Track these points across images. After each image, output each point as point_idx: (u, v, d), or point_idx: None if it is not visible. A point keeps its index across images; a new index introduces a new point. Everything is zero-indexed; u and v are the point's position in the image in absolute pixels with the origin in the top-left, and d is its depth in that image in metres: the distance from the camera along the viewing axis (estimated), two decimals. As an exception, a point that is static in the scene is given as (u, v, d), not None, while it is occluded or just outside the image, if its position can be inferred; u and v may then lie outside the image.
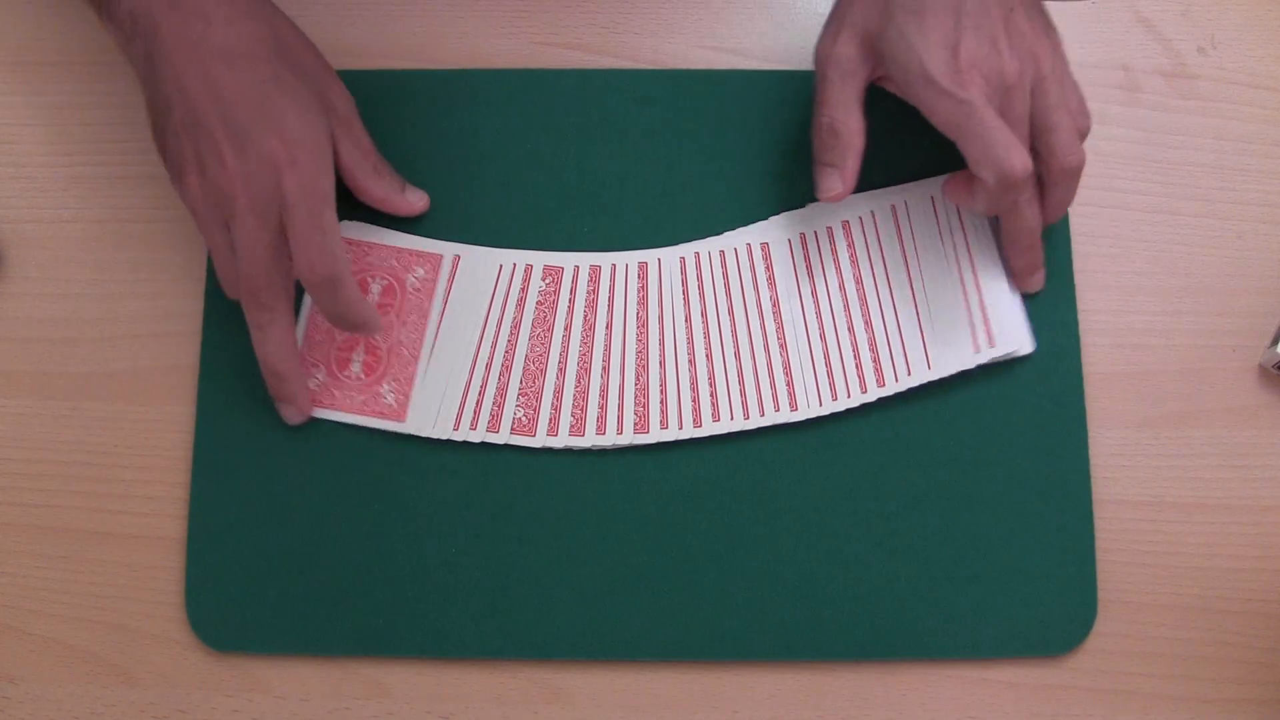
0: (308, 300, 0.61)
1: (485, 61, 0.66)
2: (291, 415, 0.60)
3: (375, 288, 0.61)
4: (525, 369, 0.60)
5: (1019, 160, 0.54)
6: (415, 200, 0.62)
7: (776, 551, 0.60)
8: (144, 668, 0.59)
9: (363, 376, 0.60)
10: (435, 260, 0.62)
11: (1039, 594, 0.59)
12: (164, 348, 0.62)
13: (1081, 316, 0.62)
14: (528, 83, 0.65)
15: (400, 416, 0.60)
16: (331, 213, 0.55)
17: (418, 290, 0.61)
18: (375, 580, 0.59)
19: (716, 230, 0.63)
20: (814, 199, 0.60)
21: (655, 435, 0.60)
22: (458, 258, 0.62)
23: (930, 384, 0.61)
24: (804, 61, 0.64)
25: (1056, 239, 0.63)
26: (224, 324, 0.62)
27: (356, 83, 0.65)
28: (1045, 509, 0.60)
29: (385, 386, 0.60)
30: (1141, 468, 0.61)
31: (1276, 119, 0.65)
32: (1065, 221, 0.63)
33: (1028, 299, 0.62)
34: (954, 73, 0.55)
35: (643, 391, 0.60)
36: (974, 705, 0.59)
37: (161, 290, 0.63)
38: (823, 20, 0.63)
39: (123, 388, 0.62)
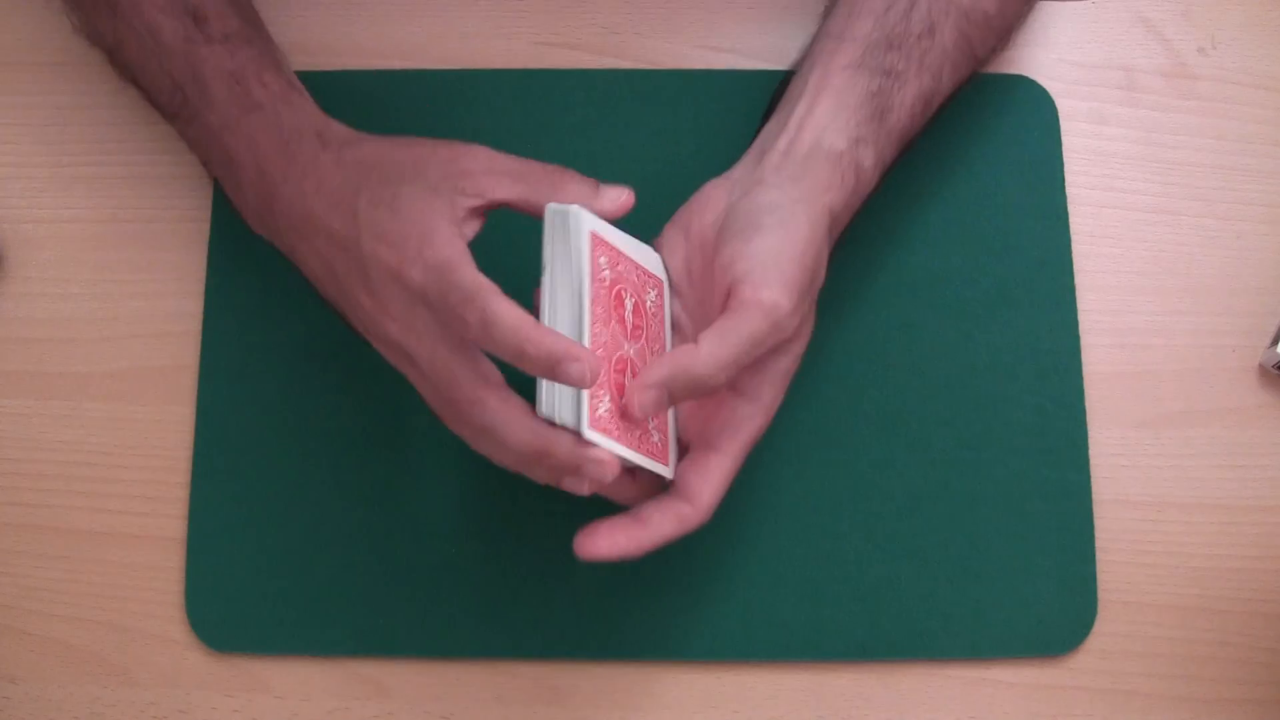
0: (581, 309, 0.51)
1: (485, 61, 0.66)
2: (592, 476, 0.50)
3: (629, 304, 0.53)
4: None
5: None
6: (614, 197, 0.54)
7: (776, 551, 0.60)
8: (144, 668, 0.59)
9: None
10: (659, 285, 0.55)
11: (1039, 594, 0.59)
12: (164, 348, 0.62)
13: (1081, 316, 0.62)
14: (528, 83, 0.65)
15: (665, 459, 0.53)
16: (460, 273, 0.49)
17: (654, 315, 0.54)
18: (375, 580, 0.59)
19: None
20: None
21: None
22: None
23: (928, 382, 0.61)
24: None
25: (1057, 238, 0.63)
26: (224, 324, 0.62)
27: (356, 83, 0.65)
28: (1045, 509, 0.60)
29: (652, 424, 0.53)
30: (1141, 468, 0.61)
31: (1276, 119, 0.65)
32: (1065, 221, 0.63)
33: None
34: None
35: None
36: (974, 705, 0.59)
37: (161, 290, 0.63)
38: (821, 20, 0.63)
39: (123, 388, 0.62)
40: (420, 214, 0.51)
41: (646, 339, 0.54)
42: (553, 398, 0.50)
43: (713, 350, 0.50)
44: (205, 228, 0.64)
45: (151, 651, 0.59)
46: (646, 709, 0.59)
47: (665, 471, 0.53)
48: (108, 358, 0.62)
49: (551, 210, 0.53)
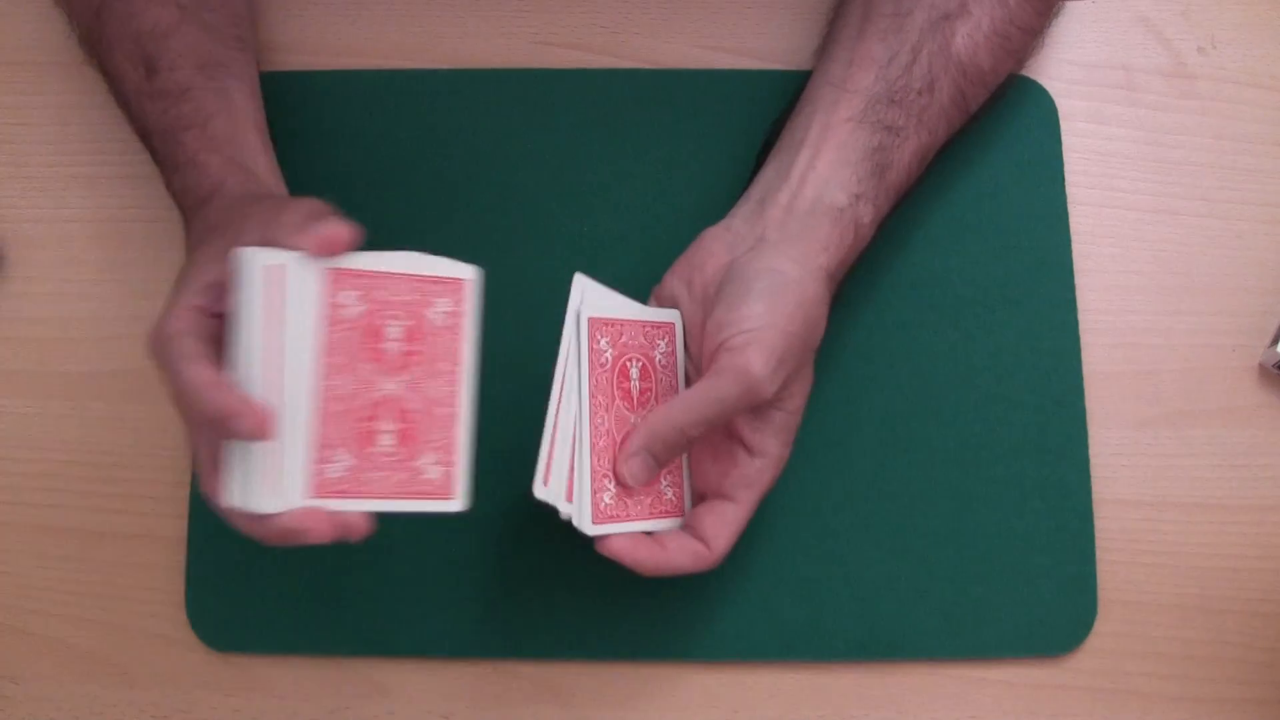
0: (306, 369, 0.47)
1: (485, 61, 0.66)
2: (268, 529, 0.47)
3: (394, 331, 0.49)
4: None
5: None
6: (334, 228, 0.47)
7: (776, 551, 0.60)
8: (144, 668, 0.59)
9: (397, 449, 0.48)
10: (457, 287, 0.50)
11: (1039, 594, 0.59)
12: (164, 348, 0.62)
13: (1081, 316, 0.62)
14: (528, 83, 0.65)
15: (447, 494, 0.49)
16: (173, 343, 0.47)
17: (445, 328, 0.50)
18: (375, 580, 0.59)
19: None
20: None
21: None
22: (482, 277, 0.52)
23: (928, 382, 0.61)
24: (804, 61, 0.64)
25: (1057, 238, 0.63)
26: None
27: (356, 83, 0.65)
28: (1045, 509, 0.60)
29: (425, 459, 0.49)
30: (1141, 468, 0.61)
31: (1276, 119, 0.65)
32: (1065, 221, 0.63)
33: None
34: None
35: None
36: (974, 705, 0.59)
37: (161, 290, 0.62)
38: (823, 21, 0.63)
39: (123, 388, 0.62)
40: (180, 284, 0.50)
41: (428, 359, 0.50)
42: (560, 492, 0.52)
43: (683, 410, 0.52)
44: (205, 228, 0.64)
45: (151, 651, 0.59)
46: (646, 709, 0.59)
47: (450, 508, 0.50)
48: (108, 358, 0.62)
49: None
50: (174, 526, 0.60)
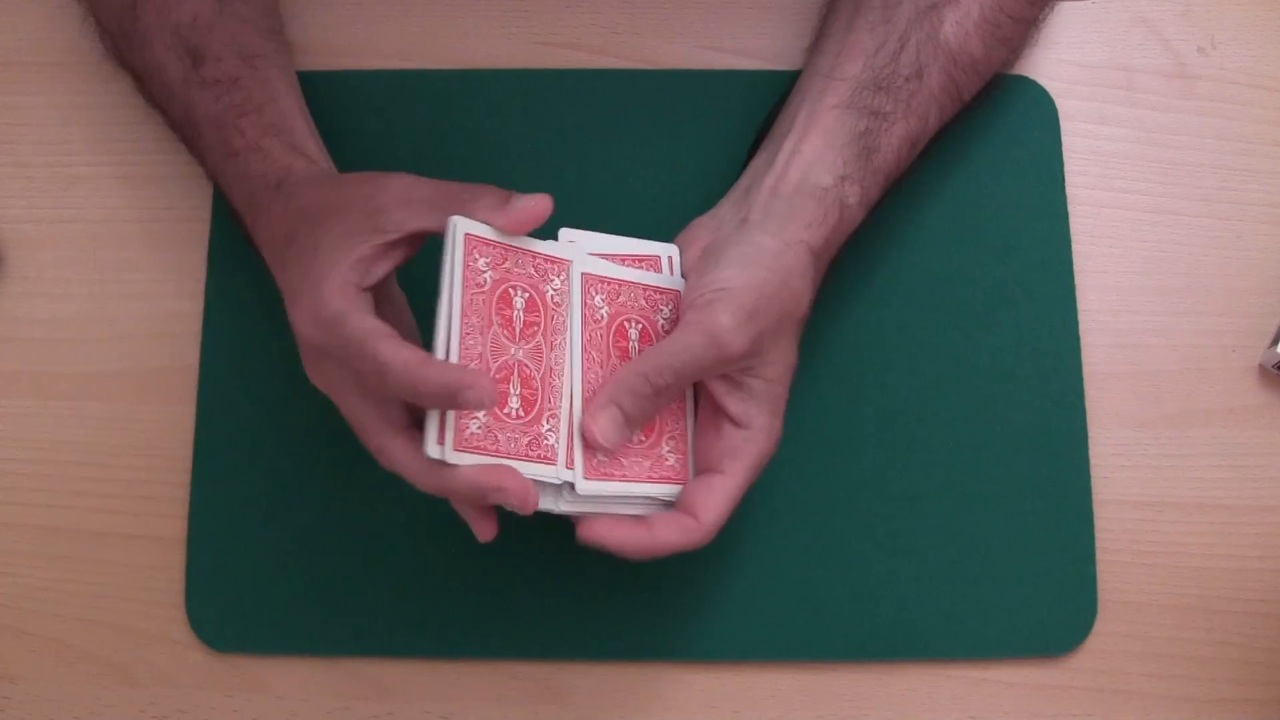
0: (451, 321, 0.50)
1: (485, 61, 0.66)
2: (500, 501, 0.49)
3: (519, 301, 0.52)
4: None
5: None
6: (528, 206, 0.51)
7: (776, 551, 0.60)
8: (144, 668, 0.59)
9: (522, 414, 0.51)
10: (566, 268, 0.53)
11: (1039, 594, 0.59)
12: (164, 348, 0.62)
13: (1081, 316, 0.62)
14: (528, 83, 0.65)
15: (565, 462, 0.51)
16: (348, 325, 0.49)
17: (558, 304, 0.53)
18: (375, 580, 0.59)
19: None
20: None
21: None
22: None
23: (928, 382, 0.61)
24: (802, 61, 0.64)
25: (1057, 238, 0.63)
26: (224, 324, 0.62)
27: (357, 83, 0.65)
28: (1045, 509, 0.60)
29: (546, 425, 0.51)
30: (1141, 468, 0.61)
31: (1276, 119, 0.65)
32: (1065, 221, 0.63)
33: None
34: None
35: None
36: (974, 705, 0.59)
37: (161, 290, 0.63)
38: (817, 16, 0.63)
39: (123, 388, 0.62)
40: (322, 266, 0.51)
41: (545, 332, 0.52)
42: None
43: (647, 359, 0.51)
44: (205, 228, 0.64)
45: (151, 651, 0.59)
46: (646, 709, 0.59)
47: (562, 477, 0.51)
48: (108, 358, 0.62)
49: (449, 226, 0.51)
50: (174, 526, 0.60)
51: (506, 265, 0.52)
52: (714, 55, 0.66)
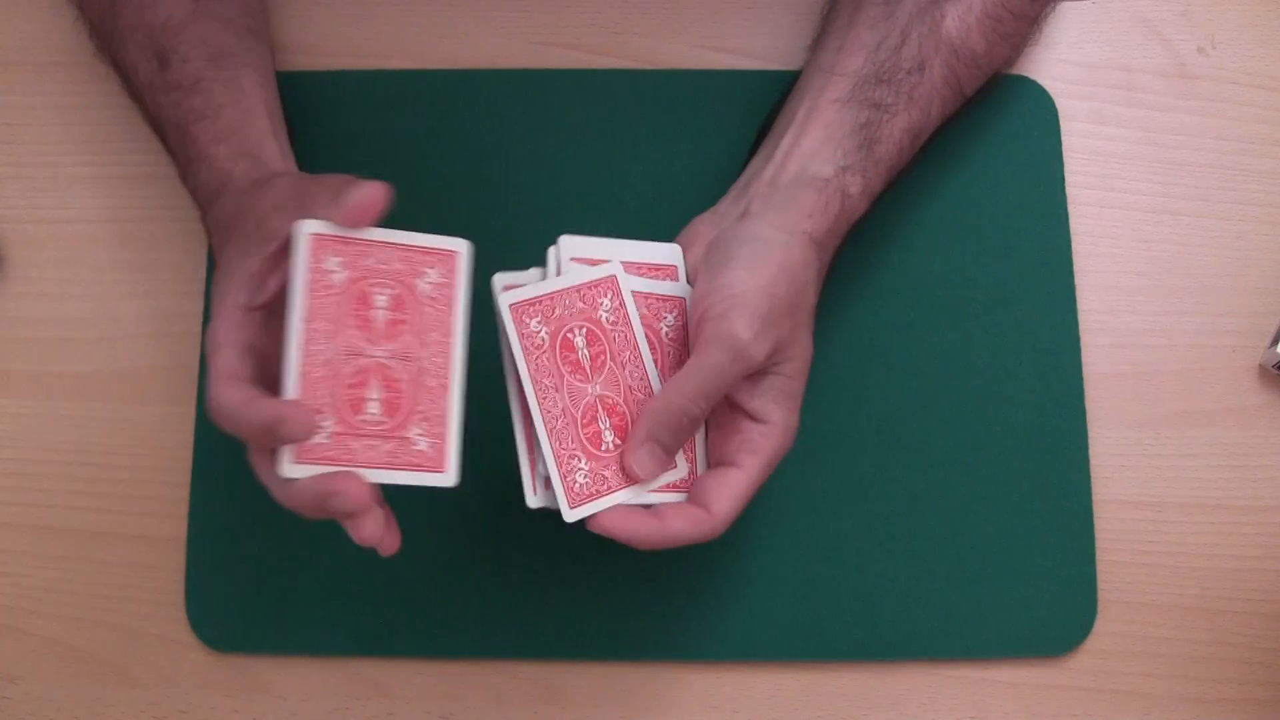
0: (294, 331, 0.47)
1: (485, 61, 0.66)
2: (337, 510, 0.48)
3: (381, 299, 0.48)
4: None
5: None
6: (358, 200, 0.48)
7: (776, 551, 0.60)
8: (144, 668, 0.59)
9: (384, 419, 0.48)
10: (450, 259, 0.50)
11: (1039, 594, 0.59)
12: (164, 348, 0.62)
13: (1081, 316, 0.62)
14: (528, 83, 0.65)
15: (439, 466, 0.49)
16: (212, 359, 0.48)
17: (434, 299, 0.49)
18: (375, 580, 0.59)
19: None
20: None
21: None
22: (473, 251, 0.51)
23: (928, 382, 0.61)
24: (802, 61, 0.64)
25: (1057, 238, 0.63)
26: (224, 324, 0.62)
27: (356, 83, 0.65)
28: (1045, 509, 0.60)
29: (415, 429, 0.49)
30: (1141, 468, 0.61)
31: (1276, 119, 0.65)
32: (1065, 221, 0.63)
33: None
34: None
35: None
36: (974, 705, 0.59)
37: (161, 290, 0.63)
38: (819, 14, 0.63)
39: (123, 388, 0.62)
40: (220, 289, 0.50)
41: (415, 329, 0.49)
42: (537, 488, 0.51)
43: (679, 390, 0.51)
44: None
45: (151, 651, 0.59)
46: (646, 709, 0.59)
47: (441, 482, 0.50)
48: (108, 358, 0.62)
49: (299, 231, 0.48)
50: (174, 526, 0.60)
51: (368, 262, 0.48)
52: (714, 55, 0.66)
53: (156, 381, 0.62)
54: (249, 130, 0.57)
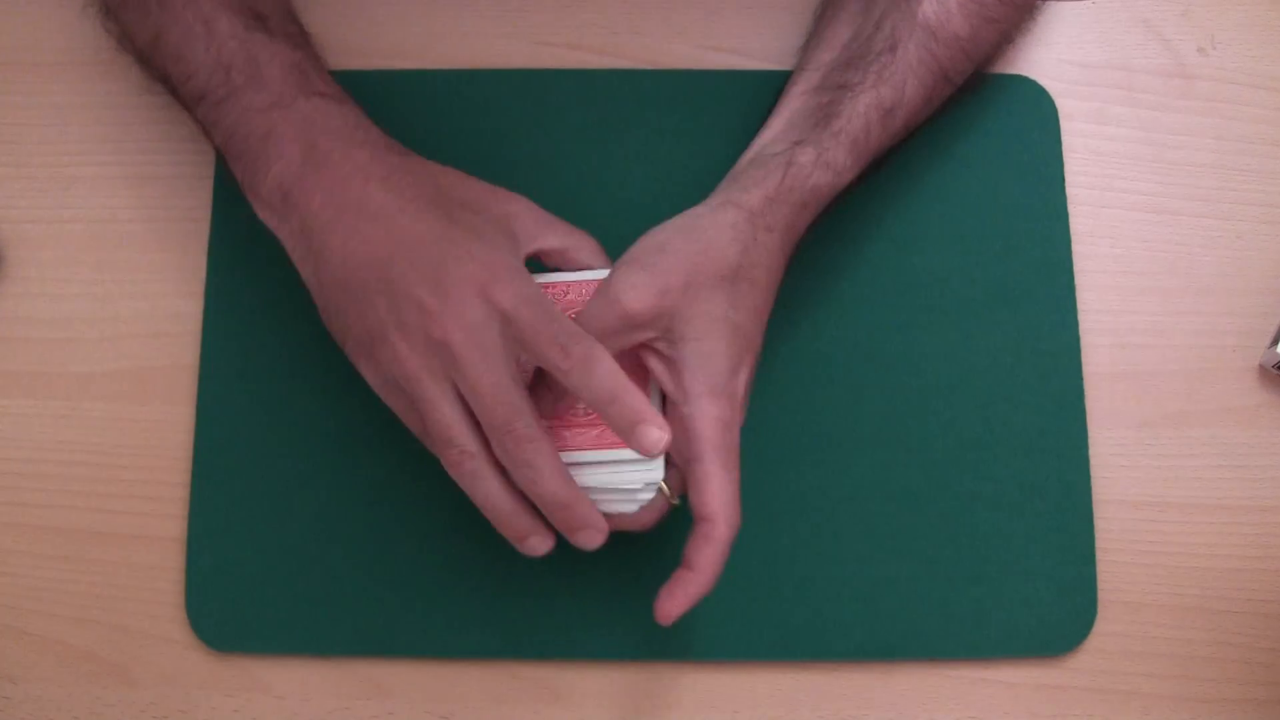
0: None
1: (485, 61, 0.66)
2: (592, 539, 0.52)
3: None
4: None
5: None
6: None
7: (776, 551, 0.60)
8: (144, 668, 0.59)
9: (591, 412, 0.54)
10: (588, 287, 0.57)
11: (1039, 594, 0.59)
12: (164, 348, 0.62)
13: (1081, 316, 0.62)
14: (528, 83, 0.65)
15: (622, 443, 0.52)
16: (555, 305, 0.51)
17: None
18: (375, 580, 0.59)
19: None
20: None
21: None
22: None
23: (928, 382, 0.61)
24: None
25: (1057, 238, 0.63)
26: (224, 324, 0.62)
27: (357, 83, 0.65)
28: (1045, 509, 0.60)
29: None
30: (1141, 468, 0.61)
31: (1276, 119, 0.65)
32: (1065, 221, 0.63)
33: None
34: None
35: None
36: (974, 705, 0.59)
37: (161, 290, 0.63)
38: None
39: (123, 388, 0.62)
40: (503, 248, 0.53)
41: None
42: None
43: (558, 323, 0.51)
44: (205, 228, 0.64)
45: (151, 651, 0.59)
46: (646, 709, 0.59)
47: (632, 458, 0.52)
48: (108, 358, 0.62)
49: None
50: (174, 526, 0.60)
51: (569, 297, 0.56)
52: (714, 55, 0.66)
53: (156, 381, 0.62)
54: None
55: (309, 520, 0.60)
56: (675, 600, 0.52)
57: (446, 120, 0.65)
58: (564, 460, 0.52)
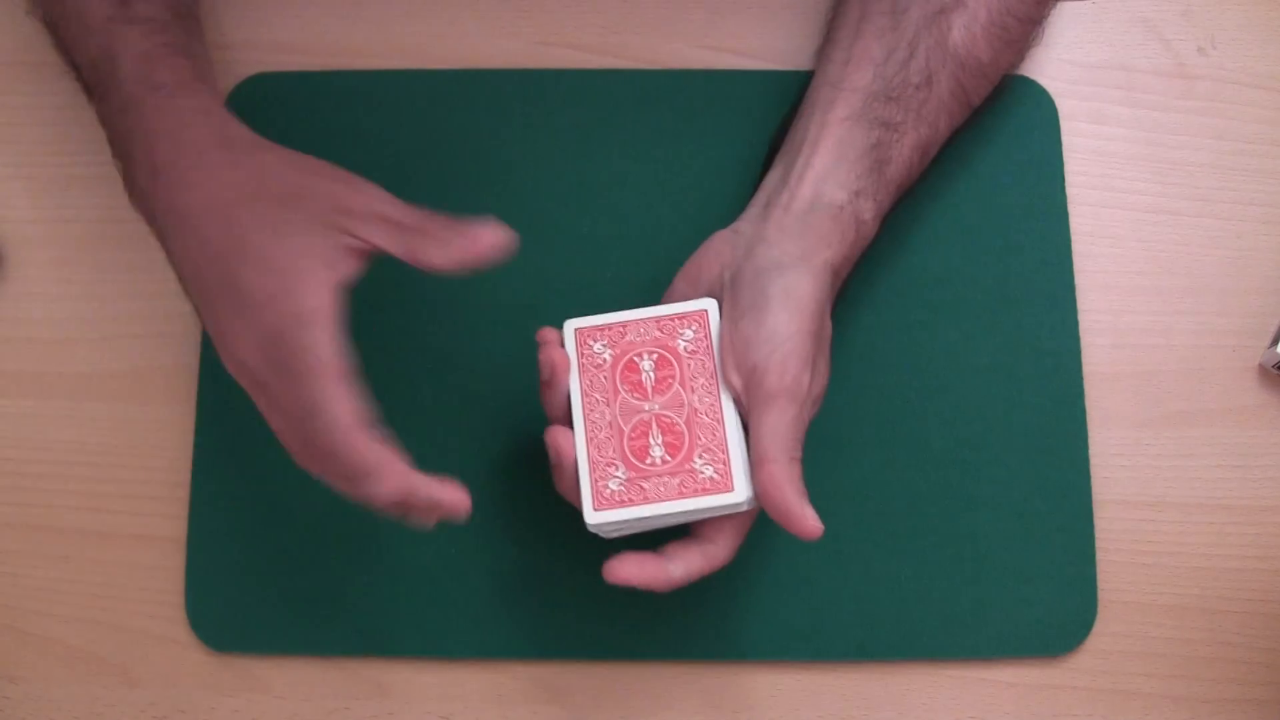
0: (576, 389, 0.55)
1: (485, 61, 0.66)
2: (381, 492, 0.49)
3: (647, 364, 0.55)
4: None
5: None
6: (484, 236, 0.51)
7: (776, 551, 0.60)
8: (144, 668, 0.59)
9: (669, 458, 0.53)
10: (701, 316, 0.55)
11: (1039, 594, 0.59)
12: (164, 348, 0.62)
13: (1081, 316, 0.62)
14: (528, 83, 0.65)
15: (728, 487, 0.53)
16: (313, 332, 0.49)
17: (694, 351, 0.55)
18: (375, 580, 0.59)
19: (715, 229, 0.62)
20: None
21: None
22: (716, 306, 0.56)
23: (928, 382, 0.61)
24: (804, 61, 0.64)
25: (1057, 238, 0.63)
26: (224, 324, 0.62)
27: (357, 83, 0.65)
28: (1045, 509, 0.60)
29: (698, 460, 0.53)
30: (1141, 468, 0.61)
31: (1276, 119, 0.65)
32: (1065, 221, 0.63)
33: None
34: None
35: None
36: (974, 705, 0.59)
37: (161, 290, 0.63)
38: (824, 20, 0.63)
39: (123, 388, 0.62)
40: (299, 248, 0.50)
41: (682, 380, 0.55)
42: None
43: (777, 446, 0.52)
44: (205, 228, 0.64)
45: (151, 651, 0.59)
46: (646, 709, 0.59)
47: (729, 499, 0.53)
48: (108, 358, 0.62)
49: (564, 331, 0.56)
50: (174, 526, 0.60)
51: (627, 339, 0.55)
52: (714, 55, 0.66)
53: (156, 381, 0.62)
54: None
55: (309, 520, 0.60)
56: (629, 568, 0.52)
57: (446, 120, 0.65)
58: (653, 513, 0.53)
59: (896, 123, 0.57)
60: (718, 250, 0.57)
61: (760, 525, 0.60)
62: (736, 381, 0.53)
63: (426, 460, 0.60)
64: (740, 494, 0.53)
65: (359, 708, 0.59)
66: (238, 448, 0.61)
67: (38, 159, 0.65)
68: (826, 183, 0.56)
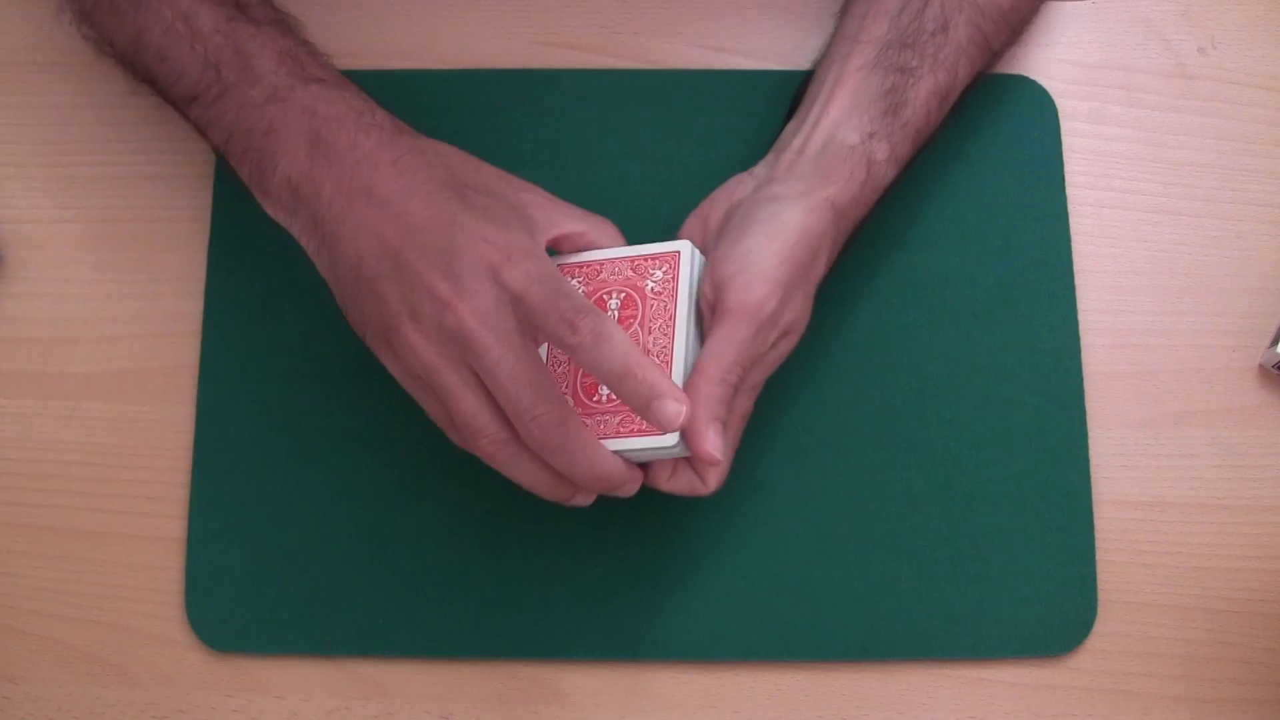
0: (544, 346, 0.56)
1: (485, 61, 0.66)
2: (631, 491, 0.53)
3: (613, 303, 0.56)
4: None
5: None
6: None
7: (776, 551, 0.60)
8: (144, 668, 0.59)
9: (615, 397, 0.52)
10: (673, 258, 0.56)
11: (1039, 594, 0.59)
12: (164, 348, 0.62)
13: (1081, 316, 0.62)
14: (528, 83, 0.65)
15: (659, 430, 0.51)
16: (570, 286, 0.51)
17: (659, 293, 0.55)
18: (375, 580, 0.59)
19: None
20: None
21: None
22: (692, 249, 0.56)
23: (928, 382, 0.61)
24: (804, 61, 0.64)
25: (1057, 238, 0.63)
26: (224, 324, 0.62)
27: (357, 83, 0.65)
28: (1045, 509, 0.60)
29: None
30: (1141, 468, 0.61)
31: (1276, 119, 0.65)
32: (1065, 221, 0.63)
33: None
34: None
35: None
36: (974, 705, 0.59)
37: (161, 290, 0.63)
38: (824, 20, 0.63)
39: (123, 388, 0.62)
40: (518, 228, 0.52)
41: (642, 320, 0.55)
42: None
43: (718, 364, 0.52)
44: (205, 228, 0.64)
45: (151, 651, 0.59)
46: (646, 709, 0.59)
47: (659, 442, 0.52)
48: (108, 358, 0.62)
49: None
50: (174, 526, 0.60)
51: (601, 276, 0.56)
52: (714, 55, 0.66)
53: (156, 381, 0.62)
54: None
55: (309, 520, 0.60)
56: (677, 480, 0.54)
57: (446, 120, 0.65)
58: None
59: (912, 68, 0.57)
60: (730, 190, 0.58)
61: (761, 526, 0.60)
62: (708, 299, 0.54)
63: (425, 458, 0.61)
64: (670, 438, 0.52)
65: (359, 708, 0.59)
66: (238, 448, 0.61)
67: (38, 159, 0.65)
68: (840, 127, 0.57)
